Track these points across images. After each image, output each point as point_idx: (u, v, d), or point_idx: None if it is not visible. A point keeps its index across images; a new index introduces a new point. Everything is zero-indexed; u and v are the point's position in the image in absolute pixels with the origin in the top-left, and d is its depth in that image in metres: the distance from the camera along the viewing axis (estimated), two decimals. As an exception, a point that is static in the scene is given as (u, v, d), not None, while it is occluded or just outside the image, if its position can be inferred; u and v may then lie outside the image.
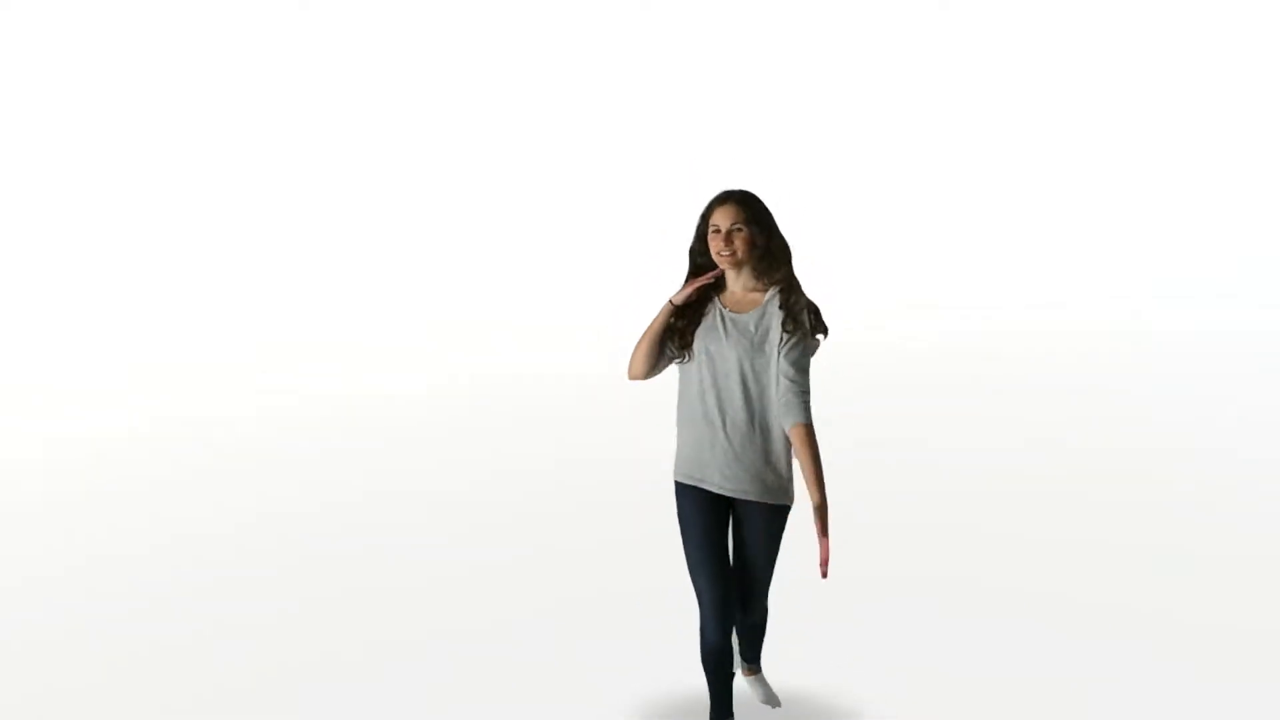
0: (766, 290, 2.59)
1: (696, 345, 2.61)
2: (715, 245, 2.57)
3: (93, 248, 11.59)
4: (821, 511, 2.47)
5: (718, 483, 2.57)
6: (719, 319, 2.60)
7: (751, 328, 2.56)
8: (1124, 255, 12.92)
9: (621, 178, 13.14)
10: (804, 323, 2.52)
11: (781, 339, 2.52)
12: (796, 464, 2.57)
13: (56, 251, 11.43)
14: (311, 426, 6.92)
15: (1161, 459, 5.46)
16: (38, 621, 3.70)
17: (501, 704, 3.03)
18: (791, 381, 2.50)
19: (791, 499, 2.61)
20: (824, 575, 2.47)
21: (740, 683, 2.86)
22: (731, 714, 2.68)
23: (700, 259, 2.65)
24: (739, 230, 2.56)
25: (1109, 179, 13.49)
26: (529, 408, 7.28)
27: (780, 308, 2.54)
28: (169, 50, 12.06)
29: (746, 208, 2.58)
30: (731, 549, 2.65)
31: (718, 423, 2.55)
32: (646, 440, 4.36)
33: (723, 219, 2.57)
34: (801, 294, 2.57)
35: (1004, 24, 13.39)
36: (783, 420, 2.52)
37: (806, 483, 2.49)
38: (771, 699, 2.96)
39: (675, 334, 2.63)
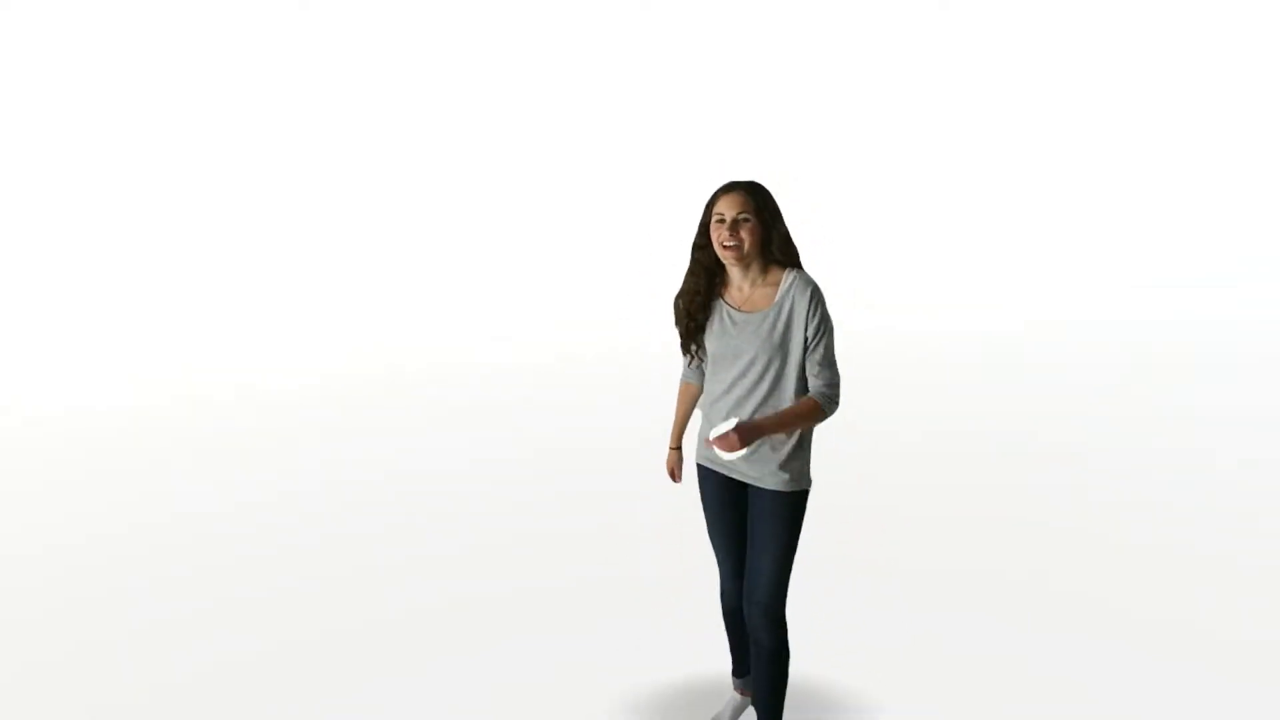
0: (777, 286, 2.44)
1: (708, 348, 2.54)
2: (719, 236, 2.42)
3: (89, 242, 11.60)
4: (748, 429, 2.37)
5: (734, 468, 2.50)
6: (725, 319, 2.49)
7: (767, 326, 2.42)
8: (1120, 251, 12.91)
9: (618, 176, 13.12)
10: (829, 320, 2.41)
11: (809, 339, 2.41)
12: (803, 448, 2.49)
13: (46, 241, 11.45)
14: (318, 406, 6.94)
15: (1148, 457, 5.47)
16: (29, 600, 3.72)
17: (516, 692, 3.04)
18: (823, 380, 2.42)
19: (803, 485, 2.47)
20: (708, 444, 2.52)
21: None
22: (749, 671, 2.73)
23: (700, 253, 2.51)
24: (746, 220, 2.41)
25: (1106, 178, 13.48)
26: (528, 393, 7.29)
27: (804, 307, 2.40)
28: (169, 50, 12.07)
29: (754, 197, 2.43)
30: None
31: (734, 416, 2.45)
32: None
33: (728, 208, 2.42)
34: (819, 290, 2.43)
35: (1004, 24, 13.39)
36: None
37: (767, 417, 2.41)
38: None
39: (691, 344, 2.59)
